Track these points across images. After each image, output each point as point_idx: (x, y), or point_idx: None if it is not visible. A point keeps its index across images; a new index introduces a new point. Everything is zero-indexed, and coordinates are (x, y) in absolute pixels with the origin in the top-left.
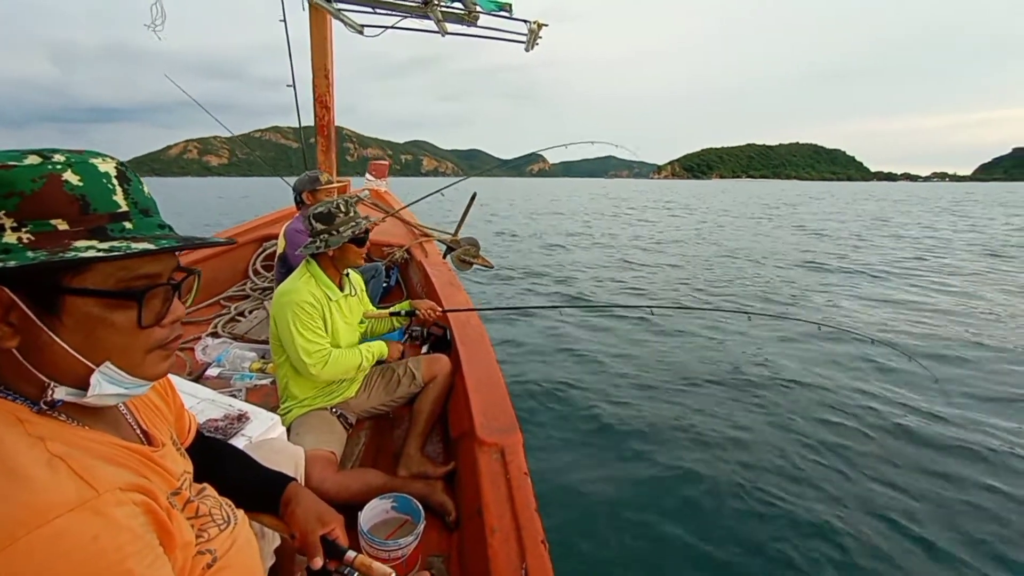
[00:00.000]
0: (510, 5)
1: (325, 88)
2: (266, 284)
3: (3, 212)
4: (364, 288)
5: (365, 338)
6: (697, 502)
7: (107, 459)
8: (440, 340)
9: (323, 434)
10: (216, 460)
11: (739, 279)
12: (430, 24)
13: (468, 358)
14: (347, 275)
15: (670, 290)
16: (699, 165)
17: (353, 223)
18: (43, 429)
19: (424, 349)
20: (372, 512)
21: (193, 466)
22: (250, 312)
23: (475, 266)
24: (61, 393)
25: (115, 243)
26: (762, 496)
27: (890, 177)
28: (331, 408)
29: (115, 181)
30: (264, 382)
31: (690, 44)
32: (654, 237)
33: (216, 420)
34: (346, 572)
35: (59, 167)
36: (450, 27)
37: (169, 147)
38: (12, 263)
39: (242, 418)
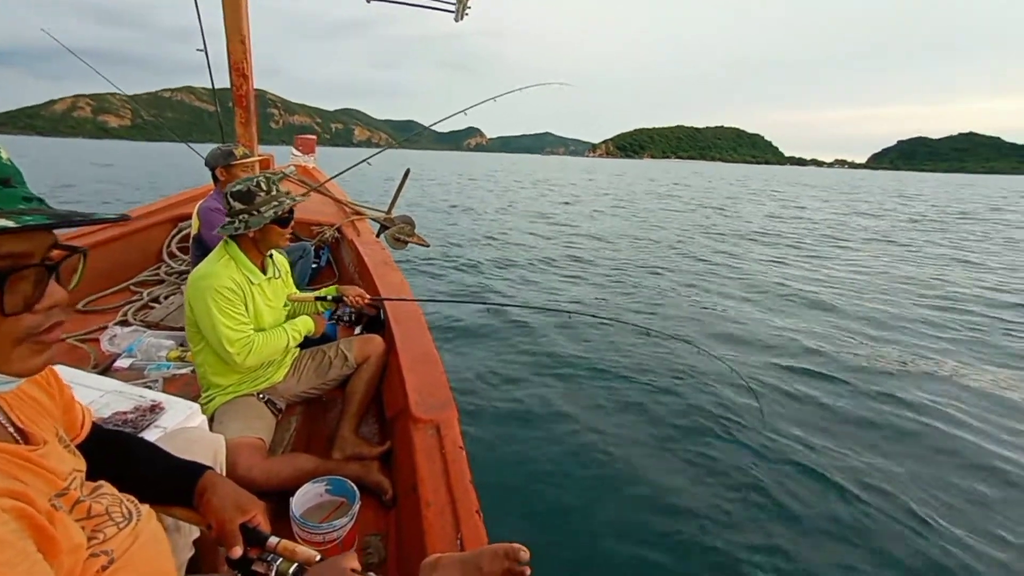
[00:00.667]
0: None
1: (242, 55)
2: (183, 268)
3: None
4: (289, 269)
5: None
6: (616, 475)
7: None
8: (374, 320)
9: (249, 421)
10: (116, 454)
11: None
12: None
13: (402, 337)
14: (270, 256)
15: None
16: (632, 145)
17: (276, 202)
18: None
19: (357, 330)
20: (305, 497)
21: (88, 463)
22: (165, 298)
23: (410, 245)
24: None
25: None
26: (673, 463)
27: (800, 162)
28: (258, 394)
29: None
30: (184, 371)
31: (626, 24)
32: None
33: (125, 413)
34: (269, 559)
35: None
36: None
37: (54, 102)
38: None
39: (155, 409)
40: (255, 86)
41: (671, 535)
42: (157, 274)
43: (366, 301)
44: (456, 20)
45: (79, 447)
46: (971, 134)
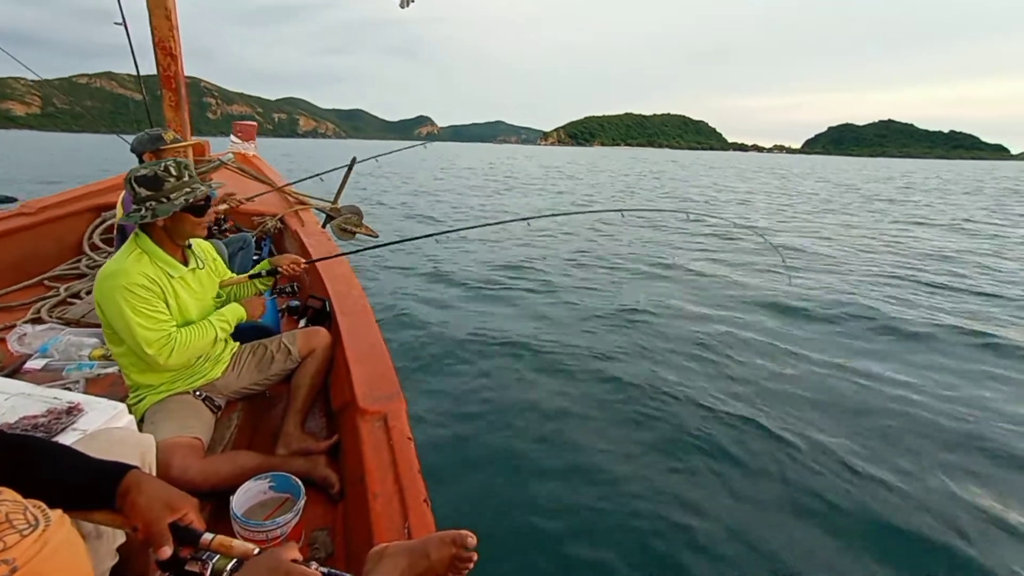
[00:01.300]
0: None
1: (167, 31)
2: (107, 260)
3: None
4: (216, 257)
5: None
6: (567, 460)
7: None
8: (319, 313)
9: (185, 420)
10: (18, 459)
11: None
12: None
13: (349, 329)
14: (189, 247)
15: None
16: (582, 132)
17: (188, 189)
18: None
19: (302, 323)
20: (246, 495)
21: None
22: (87, 293)
23: (358, 235)
24: None
25: None
26: (625, 446)
27: (743, 148)
28: (194, 391)
29: None
30: (111, 370)
31: (573, 12)
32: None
33: (35, 417)
34: (204, 557)
35: None
36: None
37: None
38: None
39: (72, 411)
40: (187, 72)
41: (621, 520)
42: (77, 267)
43: (302, 266)
44: (401, 7)
45: None
46: (890, 121)
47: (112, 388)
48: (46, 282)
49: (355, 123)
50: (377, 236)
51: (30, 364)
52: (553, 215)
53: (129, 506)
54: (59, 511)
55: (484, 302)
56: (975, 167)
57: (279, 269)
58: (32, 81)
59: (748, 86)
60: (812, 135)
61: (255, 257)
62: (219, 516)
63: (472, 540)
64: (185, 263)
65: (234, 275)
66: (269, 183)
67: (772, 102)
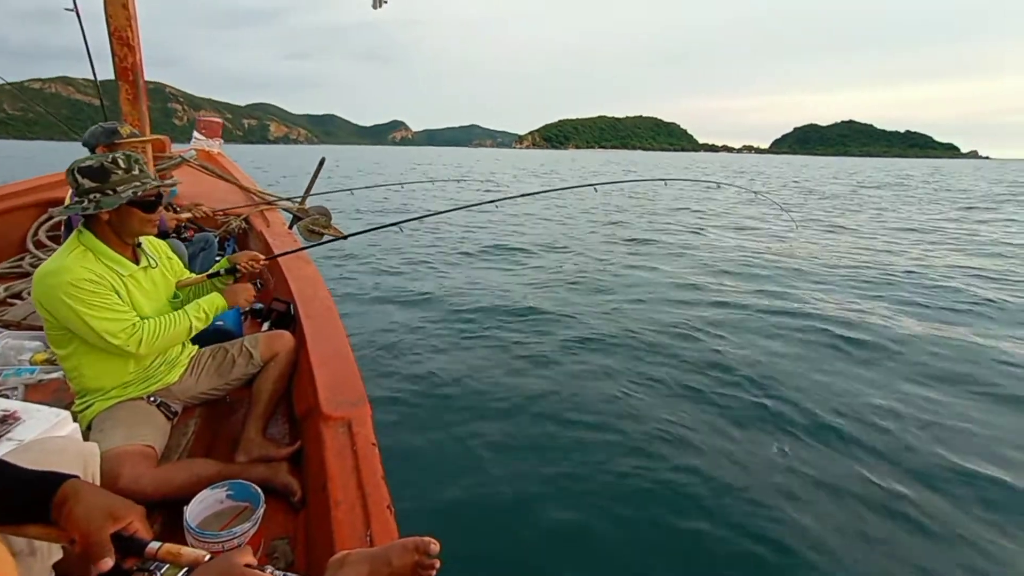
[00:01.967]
0: None
1: (124, 21)
2: None
3: None
4: (172, 256)
5: None
6: (530, 465)
7: None
8: (283, 316)
9: (137, 427)
10: None
11: None
12: None
13: (314, 333)
14: (139, 245)
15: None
16: (557, 135)
17: (137, 182)
18: None
19: (265, 326)
20: (202, 504)
21: None
22: (29, 293)
23: (325, 236)
24: None
25: None
26: (591, 451)
27: (713, 148)
28: (148, 397)
29: None
30: (54, 375)
31: (548, 14)
32: None
33: None
34: (151, 567)
35: None
36: None
37: None
38: None
39: (7, 419)
40: (150, 78)
41: (586, 525)
42: (20, 266)
43: (262, 262)
44: (374, 7)
45: None
46: (851, 121)
47: (56, 395)
48: None
49: (327, 128)
50: (346, 237)
51: None
52: (521, 196)
53: (65, 517)
54: None
55: (454, 302)
56: (926, 164)
57: (238, 267)
58: None
59: (717, 88)
60: (779, 135)
61: (217, 258)
62: (173, 528)
63: (435, 547)
64: (136, 262)
65: (192, 275)
66: (234, 181)
67: (740, 104)
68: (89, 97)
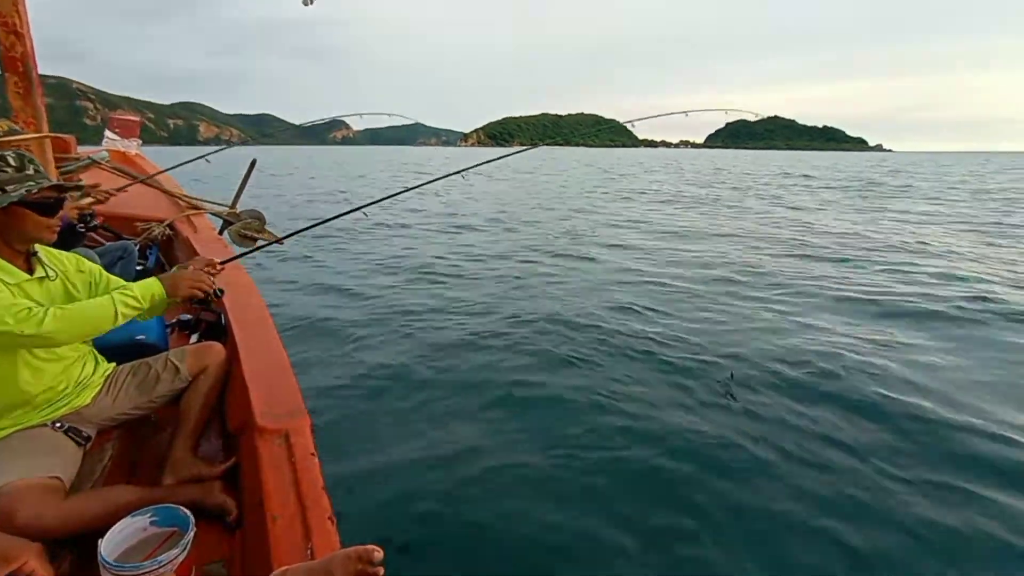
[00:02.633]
0: None
1: (11, 6)
2: None
3: None
4: (90, 268)
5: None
6: (478, 468)
7: None
8: (213, 326)
9: (38, 457)
10: None
11: None
12: None
13: (247, 342)
14: (35, 254)
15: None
16: (502, 133)
17: (31, 182)
18: None
19: (194, 338)
20: (121, 535)
21: None
22: None
23: (260, 241)
24: None
25: None
26: (536, 456)
27: (652, 144)
28: (52, 423)
29: None
30: None
31: (485, 13)
32: None
33: None
34: None
35: None
36: None
37: None
38: None
39: None
40: (52, 72)
41: (537, 528)
42: None
43: (218, 269)
44: (305, 4)
45: None
46: (776, 117)
47: None
48: None
49: (262, 128)
50: (282, 242)
51: None
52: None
53: None
54: None
55: (396, 303)
56: (834, 156)
57: (177, 293)
58: None
59: (654, 87)
60: (713, 131)
61: (139, 267)
62: (90, 564)
63: (378, 554)
64: (30, 271)
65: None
66: (155, 185)
67: (676, 101)
68: None
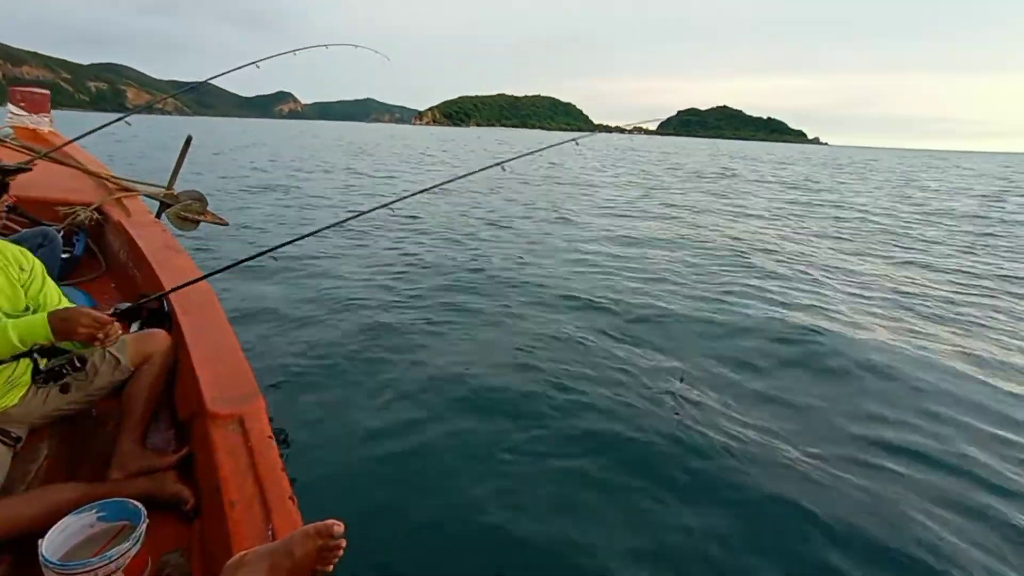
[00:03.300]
0: None
1: None
2: None
3: None
4: (18, 257)
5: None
6: (444, 444)
7: None
8: (156, 313)
9: None
10: None
11: None
12: None
13: (193, 328)
14: None
15: None
16: (458, 112)
17: None
18: None
19: (135, 327)
20: (63, 534)
21: None
22: None
23: (203, 224)
24: None
25: None
26: (505, 431)
27: (607, 129)
28: None
29: None
30: None
31: None
32: None
33: None
34: None
35: None
36: None
37: None
38: None
39: None
40: None
41: (498, 507)
42: None
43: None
44: None
45: None
46: (724, 107)
47: None
48: None
49: (202, 98)
50: (226, 224)
51: None
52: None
53: None
54: None
55: (356, 280)
56: (775, 147)
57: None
58: None
59: (609, 70)
60: (664, 117)
61: (65, 255)
62: (30, 567)
63: (339, 528)
64: None
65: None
66: (77, 166)
67: (633, 86)
68: None
